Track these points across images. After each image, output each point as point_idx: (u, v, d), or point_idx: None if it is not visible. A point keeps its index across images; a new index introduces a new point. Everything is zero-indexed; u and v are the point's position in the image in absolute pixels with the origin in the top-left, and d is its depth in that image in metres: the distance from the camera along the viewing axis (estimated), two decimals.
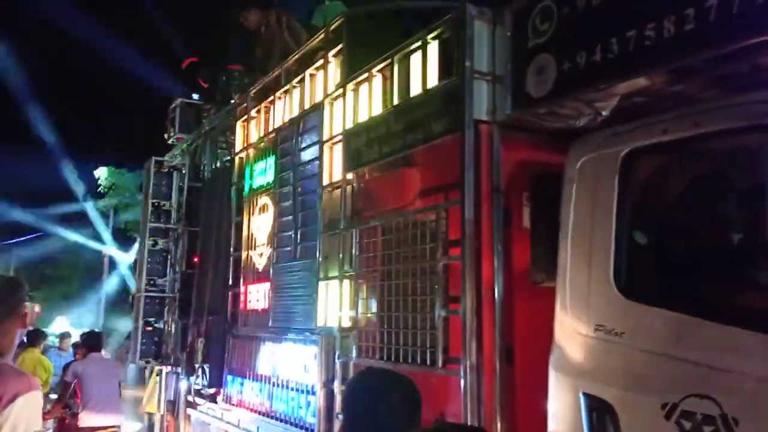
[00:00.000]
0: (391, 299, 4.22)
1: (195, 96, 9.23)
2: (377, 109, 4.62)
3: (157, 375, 9.40)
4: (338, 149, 5.07)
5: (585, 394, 2.93)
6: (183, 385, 7.83)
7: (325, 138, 5.23)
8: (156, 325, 8.83)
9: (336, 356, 4.72)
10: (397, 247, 4.25)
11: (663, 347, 2.74)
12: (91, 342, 8.46)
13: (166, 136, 9.51)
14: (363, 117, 4.75)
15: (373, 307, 4.43)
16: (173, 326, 8.52)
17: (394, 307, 4.17)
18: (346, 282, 4.70)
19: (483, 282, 3.56)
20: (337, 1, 7.44)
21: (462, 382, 3.47)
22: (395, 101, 4.38)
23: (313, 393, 4.99)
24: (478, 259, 3.58)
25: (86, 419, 7.33)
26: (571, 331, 3.12)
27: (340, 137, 5.01)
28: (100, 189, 26.28)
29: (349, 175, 4.83)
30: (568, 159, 3.36)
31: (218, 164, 7.82)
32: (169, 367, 8.59)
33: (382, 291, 4.32)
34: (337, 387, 4.66)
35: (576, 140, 3.37)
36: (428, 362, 3.79)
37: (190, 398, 7.55)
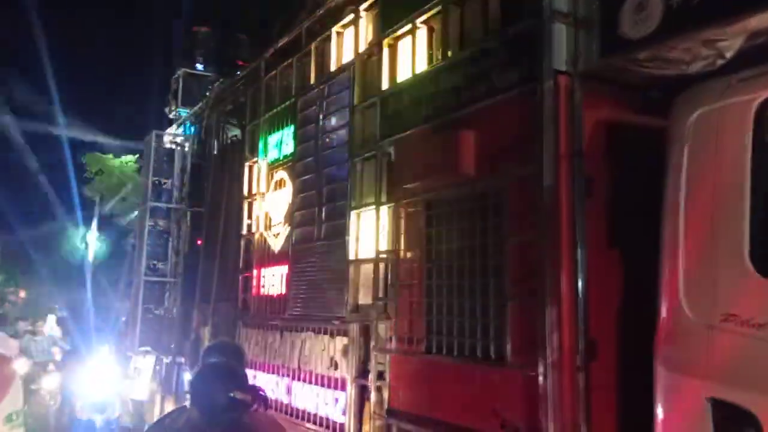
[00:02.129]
0: (439, 283, 3.64)
1: (198, 66, 8.62)
2: (421, 66, 4.03)
3: (155, 364, 8.84)
4: (371, 114, 4.48)
5: (714, 400, 2.36)
6: (186, 376, 7.25)
7: (356, 102, 4.64)
8: (155, 312, 8.32)
9: (371, 347, 4.16)
10: (447, 223, 3.67)
11: None
12: None
13: (167, 110, 8.92)
14: (403, 76, 4.16)
15: (416, 292, 3.84)
16: (175, 313, 7.97)
17: (446, 292, 3.59)
18: (382, 264, 4.14)
19: (563, 262, 2.98)
20: None
21: (540, 381, 2.91)
22: (447, 54, 3.78)
23: (343, 388, 4.42)
24: (557, 234, 3.00)
25: None
26: (687, 321, 2.55)
27: (374, 100, 4.42)
28: (86, 174, 25.42)
29: (386, 142, 4.24)
30: (675, 114, 2.78)
31: (227, 138, 7.20)
32: (170, 357, 8.03)
33: (429, 274, 3.75)
34: (371, 382, 4.10)
35: (685, 91, 2.79)
36: (492, 357, 3.23)
37: None
